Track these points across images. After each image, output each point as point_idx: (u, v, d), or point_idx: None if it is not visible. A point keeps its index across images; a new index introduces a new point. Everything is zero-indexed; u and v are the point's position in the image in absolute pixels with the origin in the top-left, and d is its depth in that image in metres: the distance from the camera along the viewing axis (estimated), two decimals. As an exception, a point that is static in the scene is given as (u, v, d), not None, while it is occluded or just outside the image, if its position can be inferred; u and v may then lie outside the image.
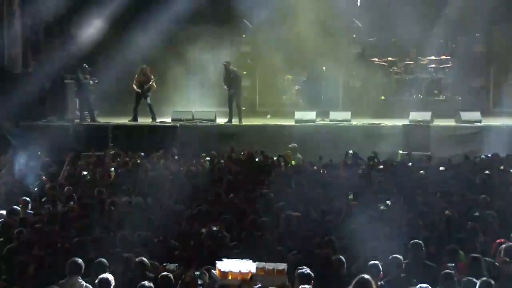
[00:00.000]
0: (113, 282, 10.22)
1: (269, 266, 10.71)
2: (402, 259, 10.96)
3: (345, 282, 10.40)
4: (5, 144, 22.55)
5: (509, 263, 11.25)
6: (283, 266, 10.67)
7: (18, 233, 13.04)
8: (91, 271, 10.85)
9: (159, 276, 10.64)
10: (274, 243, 12.50)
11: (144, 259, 11.33)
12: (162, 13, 27.02)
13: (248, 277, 10.46)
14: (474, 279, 10.00)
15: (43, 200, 16.38)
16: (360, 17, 27.97)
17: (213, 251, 12.15)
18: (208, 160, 20.71)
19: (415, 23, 26.56)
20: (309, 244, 12.37)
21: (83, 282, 10.61)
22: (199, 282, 10.26)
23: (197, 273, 10.30)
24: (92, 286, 10.46)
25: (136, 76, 25.43)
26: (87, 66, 25.79)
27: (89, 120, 25.60)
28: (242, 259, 10.64)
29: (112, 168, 19.63)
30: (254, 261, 10.64)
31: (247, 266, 10.63)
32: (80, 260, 10.88)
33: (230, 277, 10.62)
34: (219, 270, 10.59)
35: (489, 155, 20.88)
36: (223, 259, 10.75)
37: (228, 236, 12.91)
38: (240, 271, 10.51)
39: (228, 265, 10.64)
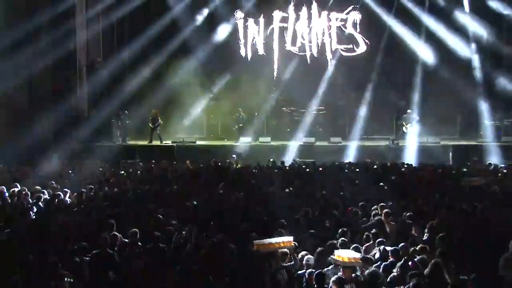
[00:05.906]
0: None
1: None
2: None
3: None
4: (79, 157, 22.20)
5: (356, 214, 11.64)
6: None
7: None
8: None
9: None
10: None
11: None
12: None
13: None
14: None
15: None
16: (275, 84, 27.88)
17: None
18: (191, 164, 20.57)
19: (306, 88, 26.83)
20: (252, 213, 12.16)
21: None
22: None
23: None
24: None
25: (150, 118, 25.21)
26: (127, 112, 25.57)
27: (125, 142, 25.22)
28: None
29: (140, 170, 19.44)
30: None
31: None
32: None
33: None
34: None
35: (347, 161, 21.13)
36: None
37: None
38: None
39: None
